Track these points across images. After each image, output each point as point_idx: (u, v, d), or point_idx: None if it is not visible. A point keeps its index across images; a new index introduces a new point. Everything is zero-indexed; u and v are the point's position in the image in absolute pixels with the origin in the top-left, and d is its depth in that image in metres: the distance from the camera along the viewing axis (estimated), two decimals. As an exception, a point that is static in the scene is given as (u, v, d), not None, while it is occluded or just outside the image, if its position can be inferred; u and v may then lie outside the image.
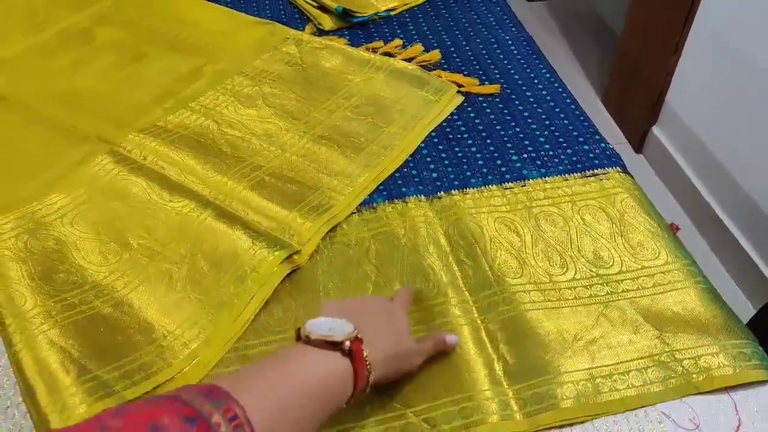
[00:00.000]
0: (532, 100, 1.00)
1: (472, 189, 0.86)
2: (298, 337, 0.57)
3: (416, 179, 0.88)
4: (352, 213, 0.83)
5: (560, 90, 1.03)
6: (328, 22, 1.19)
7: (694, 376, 0.65)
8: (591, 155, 0.90)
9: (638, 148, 2.12)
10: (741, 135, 1.65)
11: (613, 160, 0.89)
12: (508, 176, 0.88)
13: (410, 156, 0.91)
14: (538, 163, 0.89)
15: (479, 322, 0.71)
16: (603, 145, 0.92)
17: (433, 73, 1.04)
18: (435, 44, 1.13)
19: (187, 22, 1.20)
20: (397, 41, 1.14)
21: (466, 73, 1.06)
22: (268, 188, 0.85)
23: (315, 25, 1.20)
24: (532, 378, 0.65)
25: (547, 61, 1.10)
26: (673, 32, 1.82)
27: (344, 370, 0.55)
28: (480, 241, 0.79)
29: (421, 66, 1.07)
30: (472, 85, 1.03)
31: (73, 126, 0.96)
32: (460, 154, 0.91)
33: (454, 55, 1.11)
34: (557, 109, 0.98)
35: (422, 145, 0.93)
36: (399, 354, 0.61)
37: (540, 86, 1.03)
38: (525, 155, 0.91)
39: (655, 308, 0.71)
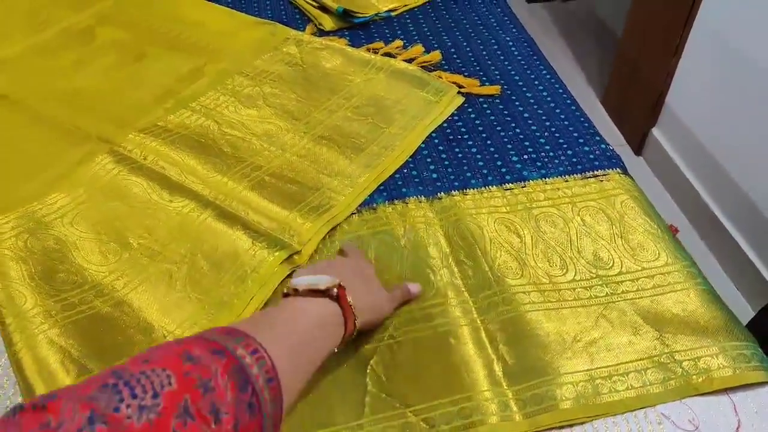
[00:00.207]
0: (532, 101, 1.00)
1: (472, 190, 0.86)
2: (286, 296, 0.62)
3: (416, 180, 0.88)
4: (353, 213, 0.83)
5: (560, 91, 1.03)
6: (328, 23, 1.19)
7: (694, 377, 0.65)
8: (591, 156, 0.90)
9: (638, 149, 2.12)
10: (741, 137, 1.65)
11: (613, 161, 0.89)
12: (508, 177, 0.88)
13: (410, 156, 0.91)
14: (538, 164, 0.89)
15: (479, 322, 0.71)
16: (603, 146, 0.92)
17: (434, 74, 1.05)
18: (435, 45, 1.13)
19: (187, 22, 1.20)
20: (398, 42, 1.14)
21: (466, 74, 1.06)
22: (269, 188, 0.85)
23: (315, 26, 1.20)
24: (532, 379, 0.66)
25: (548, 62, 1.10)
26: (673, 34, 1.82)
27: (335, 313, 0.60)
28: (480, 242, 0.79)
29: (421, 67, 1.07)
30: (472, 86, 1.03)
31: (73, 126, 0.97)
32: (460, 155, 0.91)
33: (455, 56, 1.11)
34: (557, 110, 0.98)
35: (422, 145, 0.93)
36: (375, 302, 0.67)
37: (540, 87, 1.03)
38: (525, 156, 0.91)
39: (654, 309, 0.71)
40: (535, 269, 0.76)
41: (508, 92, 1.02)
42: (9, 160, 0.93)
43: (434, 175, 0.88)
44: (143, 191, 0.85)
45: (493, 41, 1.14)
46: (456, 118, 0.98)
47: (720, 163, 1.75)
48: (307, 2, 1.23)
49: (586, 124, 0.96)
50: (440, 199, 0.85)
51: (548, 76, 1.06)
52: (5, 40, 1.18)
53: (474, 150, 0.92)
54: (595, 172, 0.88)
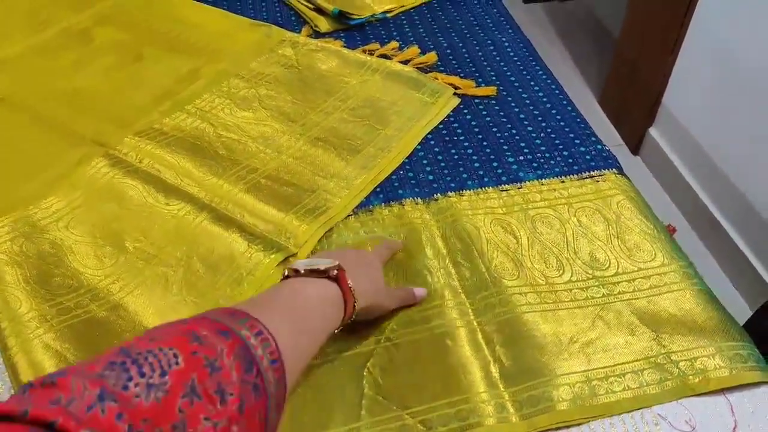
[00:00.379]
0: (528, 102, 1.00)
1: (468, 191, 0.86)
2: (286, 277, 0.62)
3: (413, 181, 0.88)
4: (349, 215, 0.83)
5: (557, 92, 1.03)
6: (324, 24, 1.19)
7: (690, 377, 0.65)
8: (587, 157, 0.90)
9: (635, 149, 2.12)
10: (737, 136, 1.66)
11: (609, 161, 0.89)
12: (504, 178, 0.88)
13: (407, 158, 0.91)
14: (534, 165, 0.89)
15: (476, 324, 0.71)
16: (599, 146, 0.92)
17: (430, 75, 1.04)
18: (431, 46, 1.13)
19: (185, 24, 1.20)
20: (394, 43, 1.14)
21: (462, 75, 1.06)
22: (264, 191, 0.85)
23: (311, 27, 1.20)
24: (529, 380, 0.65)
25: (544, 63, 1.10)
26: (669, 34, 1.82)
27: (335, 293, 0.60)
28: (476, 243, 0.79)
29: (417, 68, 1.07)
30: (468, 87, 1.03)
31: (70, 128, 0.96)
32: (456, 156, 0.91)
33: (451, 57, 1.11)
34: (553, 111, 0.98)
35: (419, 147, 0.93)
36: (376, 291, 0.67)
37: (536, 88, 1.03)
38: (521, 157, 0.91)
39: (651, 310, 0.71)
40: (532, 270, 0.76)
41: (504, 93, 1.02)
42: (4, 163, 0.92)
43: (430, 177, 0.88)
44: (139, 194, 0.85)
45: (489, 42, 1.14)
46: (452, 119, 0.98)
47: (717, 162, 1.75)
48: (303, 4, 1.23)
49: (582, 125, 0.96)
50: (436, 200, 0.85)
51: (544, 77, 1.06)
52: (4, 40, 1.18)
53: (470, 151, 0.92)
54: (591, 173, 0.87)
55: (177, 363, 0.41)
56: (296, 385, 0.57)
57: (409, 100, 1.00)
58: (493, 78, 1.05)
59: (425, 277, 0.76)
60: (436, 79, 1.04)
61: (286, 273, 0.62)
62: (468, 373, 0.66)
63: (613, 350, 0.67)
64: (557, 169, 0.88)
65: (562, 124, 0.96)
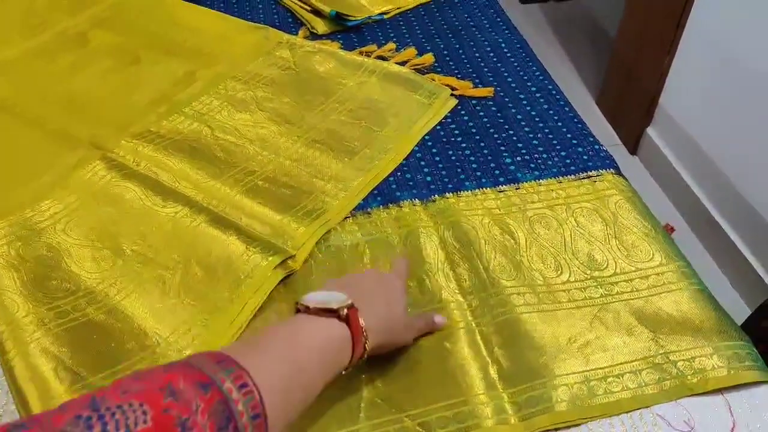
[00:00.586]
0: (525, 102, 1.00)
1: (466, 192, 0.86)
2: (297, 311, 0.60)
3: (410, 183, 0.88)
4: (347, 217, 0.83)
5: (554, 92, 1.03)
6: (321, 26, 1.19)
7: (689, 377, 0.65)
8: (585, 157, 0.90)
9: (633, 149, 2.13)
10: (735, 136, 1.66)
11: (606, 162, 0.89)
12: (501, 179, 0.88)
13: (404, 159, 0.91)
14: (532, 165, 0.89)
15: (474, 325, 0.71)
16: (596, 147, 0.92)
17: (427, 77, 1.04)
18: (428, 47, 1.13)
19: (181, 27, 1.20)
20: (391, 45, 1.14)
21: (459, 76, 1.06)
22: (262, 193, 0.85)
23: (308, 29, 1.20)
24: (527, 381, 0.65)
25: (541, 63, 1.10)
26: (666, 34, 1.82)
27: (342, 336, 0.57)
28: (475, 244, 0.79)
29: (414, 69, 1.07)
30: (465, 88, 1.03)
31: (67, 131, 0.96)
32: (453, 158, 0.91)
33: (448, 58, 1.11)
34: (551, 112, 0.98)
35: (416, 148, 0.93)
36: (392, 324, 0.64)
37: (533, 89, 1.03)
38: (518, 158, 0.91)
39: (649, 310, 0.71)
40: (530, 271, 0.76)
41: (501, 94, 1.02)
42: (1, 166, 0.92)
43: (428, 178, 0.88)
44: (136, 197, 0.85)
45: (485, 43, 1.14)
46: (449, 120, 0.98)
47: (715, 161, 1.75)
48: (300, 6, 1.23)
49: (580, 125, 0.96)
50: (434, 201, 0.85)
51: (541, 78, 1.06)
52: (8, 39, 1.17)
53: (467, 152, 0.92)
54: (589, 173, 0.88)
55: (145, 422, 0.40)
56: None
57: (407, 102, 1.00)
58: (491, 79, 1.05)
59: (423, 279, 0.75)
60: (433, 80, 1.04)
61: (297, 307, 0.60)
62: (466, 374, 0.66)
63: (611, 350, 0.67)
64: (555, 170, 0.88)
65: (559, 124, 0.96)
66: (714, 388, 0.64)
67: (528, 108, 0.99)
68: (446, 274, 0.76)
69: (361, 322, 0.58)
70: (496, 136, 0.94)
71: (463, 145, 0.93)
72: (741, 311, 1.55)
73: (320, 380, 0.55)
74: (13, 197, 0.85)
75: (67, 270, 0.76)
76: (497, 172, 0.89)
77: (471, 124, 0.97)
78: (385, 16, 1.22)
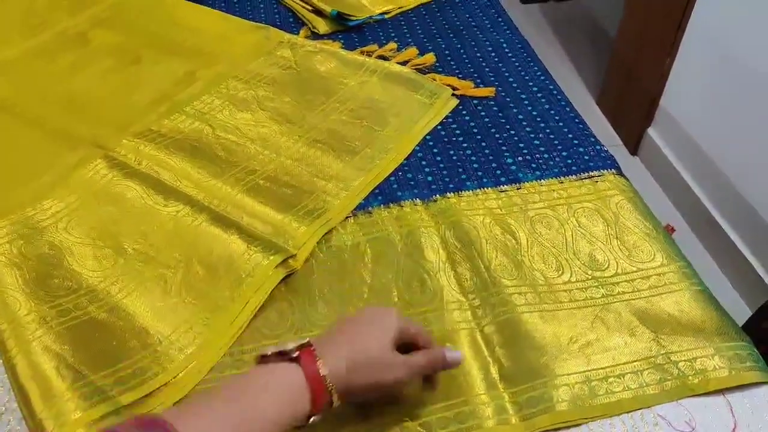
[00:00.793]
0: (526, 102, 1.00)
1: (467, 192, 0.86)
2: (257, 362, 0.56)
3: (411, 182, 0.88)
4: (348, 217, 0.83)
5: (555, 92, 1.03)
6: (322, 26, 1.19)
7: (690, 378, 0.65)
8: (586, 157, 0.90)
9: (634, 150, 2.13)
10: (735, 136, 1.66)
11: (608, 162, 0.89)
12: (503, 179, 0.88)
13: (405, 159, 0.91)
14: (533, 165, 0.89)
15: (475, 325, 0.71)
16: (598, 147, 0.92)
17: (428, 77, 1.04)
18: (429, 47, 1.13)
19: (182, 27, 1.20)
20: (392, 44, 1.14)
21: (460, 76, 1.06)
22: (263, 192, 0.85)
23: (309, 29, 1.20)
24: (528, 381, 0.65)
25: (542, 63, 1.10)
26: (667, 34, 1.82)
27: (296, 381, 0.53)
28: (476, 244, 0.79)
29: (415, 69, 1.07)
30: (466, 88, 1.03)
31: (68, 130, 0.96)
32: (455, 157, 0.91)
33: (449, 58, 1.11)
34: (552, 112, 0.98)
35: (417, 148, 0.93)
36: (369, 362, 0.56)
37: (535, 89, 1.03)
38: (520, 158, 0.91)
39: (650, 310, 0.71)
40: (531, 270, 0.76)
41: (503, 94, 1.02)
42: (3, 166, 0.92)
43: (429, 178, 0.88)
44: (137, 196, 0.85)
45: (487, 43, 1.14)
46: (450, 120, 0.98)
47: (716, 162, 1.75)
48: (301, 5, 1.23)
49: (581, 125, 0.96)
50: (435, 201, 0.85)
51: (542, 78, 1.06)
52: (1, 42, 1.17)
53: (469, 152, 0.92)
54: (590, 173, 0.88)
55: None
56: None
57: (408, 102, 1.00)
58: (492, 79, 1.06)
59: (424, 279, 0.75)
60: (435, 80, 1.04)
61: (256, 358, 0.56)
62: (468, 375, 0.66)
63: (612, 351, 0.67)
64: (556, 170, 0.88)
65: (560, 124, 0.96)
66: (715, 388, 0.64)
67: (529, 108, 0.99)
68: (447, 274, 0.76)
69: (319, 363, 0.53)
70: (497, 135, 0.94)
71: (465, 144, 0.93)
72: (741, 312, 1.55)
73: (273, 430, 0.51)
74: (14, 196, 0.85)
75: (69, 268, 0.76)
76: (498, 171, 0.89)
77: (472, 123, 0.97)
78: (386, 16, 1.22)
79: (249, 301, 0.72)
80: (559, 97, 1.02)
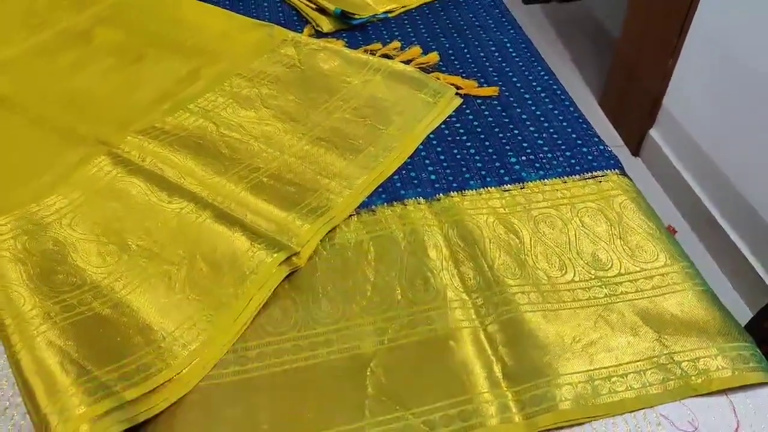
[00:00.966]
0: (530, 102, 1.00)
1: (470, 191, 0.86)
2: None
3: (415, 181, 0.88)
4: (351, 215, 0.83)
5: (558, 92, 1.03)
6: (326, 24, 1.19)
7: (693, 378, 0.65)
8: (589, 157, 0.90)
9: (636, 151, 2.13)
10: (738, 138, 1.66)
11: (611, 162, 0.89)
12: (506, 178, 0.88)
13: (409, 158, 0.91)
14: (537, 165, 0.89)
15: (478, 324, 0.71)
16: (601, 147, 0.92)
17: (432, 76, 1.05)
18: (433, 47, 1.13)
19: (185, 24, 1.20)
20: (396, 43, 1.14)
21: (464, 75, 1.06)
22: (267, 190, 0.85)
23: (313, 27, 1.20)
24: (531, 380, 0.65)
25: (546, 63, 1.10)
26: (670, 36, 1.83)
27: None
28: (479, 243, 0.79)
29: (419, 68, 1.07)
30: (470, 87, 1.03)
31: (71, 128, 0.96)
32: (458, 157, 0.91)
33: (452, 57, 1.11)
34: (555, 112, 0.99)
35: (420, 147, 0.93)
36: None
37: (538, 89, 1.03)
38: (524, 157, 0.91)
39: (653, 310, 0.71)
40: (534, 270, 0.76)
41: (506, 94, 1.02)
42: (6, 162, 0.92)
43: (432, 177, 0.88)
44: (141, 193, 0.85)
45: (490, 43, 1.14)
46: (454, 119, 0.98)
47: (718, 163, 1.75)
48: (305, 4, 1.23)
49: (584, 125, 0.96)
50: (439, 200, 0.85)
51: (546, 78, 1.06)
52: (3, 41, 1.17)
53: (472, 151, 0.92)
54: (594, 173, 0.88)
55: None
56: None
57: (411, 100, 1.00)
58: (495, 78, 1.06)
59: (427, 277, 0.76)
60: (438, 79, 1.04)
61: None
62: (471, 373, 0.66)
63: (615, 350, 0.68)
64: (560, 170, 0.88)
65: (564, 124, 0.96)
66: (718, 388, 0.64)
67: (533, 108, 0.99)
68: (451, 273, 0.76)
69: None
70: (501, 135, 0.95)
71: (468, 144, 0.94)
72: (741, 312, 1.56)
73: None
74: (18, 193, 0.85)
75: (73, 264, 0.76)
76: (502, 171, 0.89)
77: (476, 123, 0.97)
78: (390, 15, 1.23)
79: (252, 298, 0.72)
80: (562, 97, 1.02)
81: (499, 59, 1.10)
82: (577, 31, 2.74)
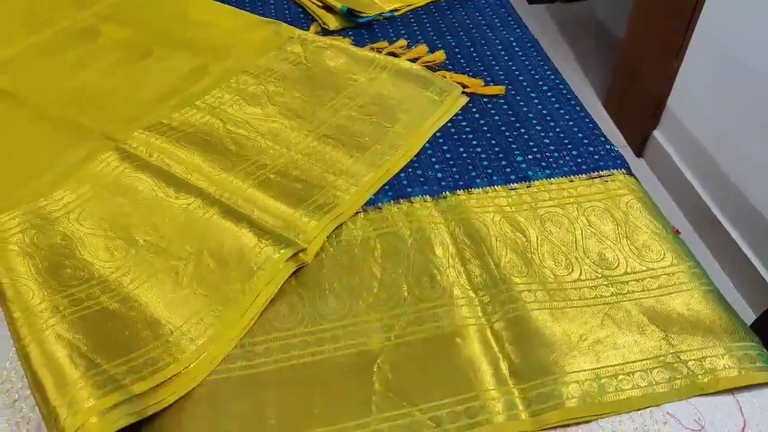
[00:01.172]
0: (536, 101, 1.01)
1: (477, 189, 0.86)
2: None
3: (421, 179, 0.88)
4: (358, 212, 0.84)
5: (564, 92, 1.03)
6: (332, 22, 1.19)
7: (699, 377, 0.65)
8: (596, 157, 0.90)
9: (639, 151, 2.13)
10: (742, 139, 1.66)
11: (618, 161, 0.90)
12: (513, 177, 0.88)
13: (415, 156, 0.92)
14: (543, 164, 0.89)
15: (485, 321, 0.71)
16: (608, 146, 0.92)
17: (438, 74, 1.05)
18: (439, 45, 1.14)
19: (192, 21, 1.20)
20: (402, 41, 1.14)
21: (470, 74, 1.06)
22: (274, 186, 0.85)
23: (320, 25, 1.20)
24: (538, 377, 0.66)
25: (552, 62, 1.10)
26: (674, 37, 1.82)
27: None
28: (486, 241, 0.79)
29: (425, 66, 1.07)
30: (476, 86, 1.03)
31: (78, 123, 0.96)
32: (464, 155, 0.92)
33: (459, 56, 1.11)
34: (562, 111, 0.99)
35: (427, 145, 0.93)
36: None
37: (545, 88, 1.03)
38: (530, 156, 0.91)
39: (660, 309, 0.71)
40: (541, 268, 0.76)
41: (513, 92, 1.03)
42: (14, 158, 0.92)
43: (439, 175, 0.89)
44: (149, 188, 0.85)
45: (497, 41, 1.15)
46: (460, 117, 0.98)
47: (721, 165, 1.75)
48: (312, 2, 1.23)
49: (591, 125, 0.96)
50: (445, 198, 0.85)
51: (552, 77, 1.06)
52: (8, 38, 1.17)
53: (479, 150, 0.92)
54: (600, 173, 0.88)
55: None
56: None
57: (418, 98, 1.00)
58: (502, 77, 1.06)
59: (434, 275, 0.76)
60: (445, 77, 1.04)
61: None
62: (477, 370, 0.67)
63: (622, 349, 0.68)
64: (566, 169, 0.89)
65: (570, 123, 0.96)
66: (725, 388, 0.65)
67: (539, 107, 0.99)
68: (457, 270, 0.76)
69: None
70: (507, 134, 0.95)
71: (474, 142, 0.94)
72: (743, 312, 1.54)
73: None
74: (26, 188, 0.86)
75: (81, 258, 0.76)
76: (508, 170, 0.89)
77: (482, 121, 0.97)
78: (396, 14, 1.23)
79: (260, 293, 0.72)
80: (569, 96, 1.02)
81: (506, 58, 1.10)
82: (581, 31, 2.74)
